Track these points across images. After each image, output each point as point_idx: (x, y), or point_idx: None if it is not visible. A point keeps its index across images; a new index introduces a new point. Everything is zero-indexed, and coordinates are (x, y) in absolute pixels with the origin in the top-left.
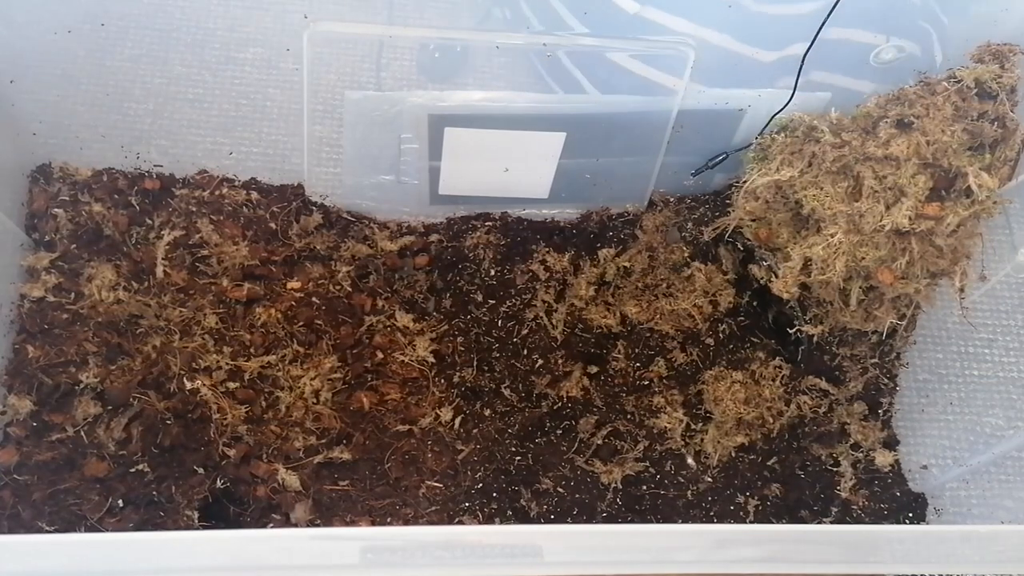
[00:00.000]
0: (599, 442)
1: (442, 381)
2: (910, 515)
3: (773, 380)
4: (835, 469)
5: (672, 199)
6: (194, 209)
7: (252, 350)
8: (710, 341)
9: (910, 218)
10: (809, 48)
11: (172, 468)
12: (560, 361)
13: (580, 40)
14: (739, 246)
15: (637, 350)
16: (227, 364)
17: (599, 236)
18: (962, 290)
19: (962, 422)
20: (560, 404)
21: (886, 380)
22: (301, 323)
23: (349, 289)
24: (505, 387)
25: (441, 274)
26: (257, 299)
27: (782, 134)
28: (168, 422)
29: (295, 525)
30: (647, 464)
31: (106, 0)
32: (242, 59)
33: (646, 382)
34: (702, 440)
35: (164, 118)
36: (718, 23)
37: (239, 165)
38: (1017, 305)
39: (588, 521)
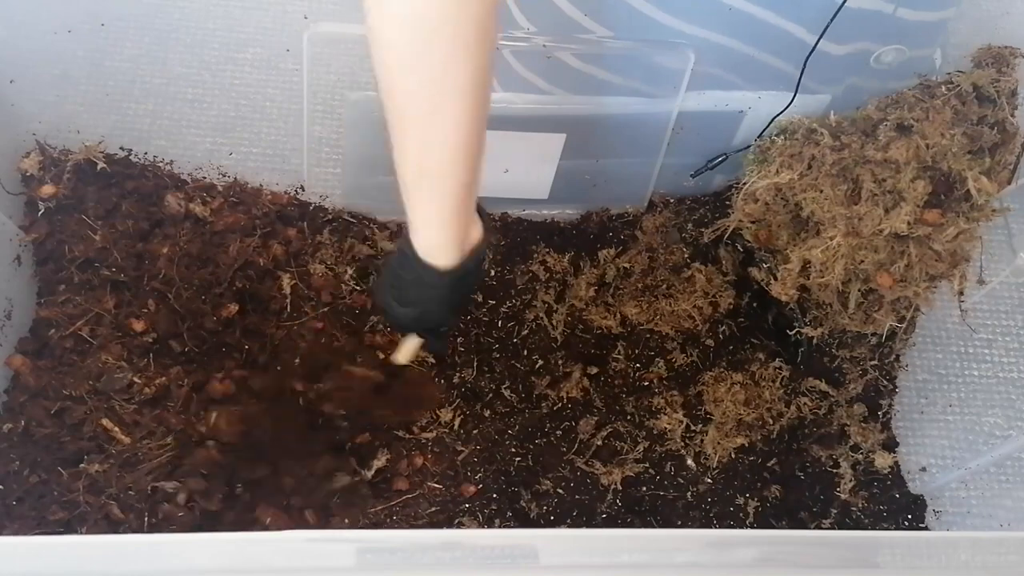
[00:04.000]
0: (599, 443)
1: (442, 382)
2: (909, 517)
3: (773, 382)
4: (835, 471)
5: (672, 200)
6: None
7: None
8: (710, 342)
9: (908, 223)
10: (811, 51)
11: None
12: (560, 362)
13: (580, 41)
14: (739, 248)
15: (637, 351)
16: None
17: (599, 237)
18: (961, 293)
19: (962, 423)
20: (560, 405)
21: (885, 382)
22: None
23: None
24: (505, 388)
25: None
26: None
27: (781, 137)
28: None
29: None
30: (647, 465)
31: (106, 0)
32: (242, 59)
33: (646, 383)
34: (702, 441)
35: (164, 118)
36: (720, 25)
37: (239, 166)
38: (1016, 306)
39: (588, 522)
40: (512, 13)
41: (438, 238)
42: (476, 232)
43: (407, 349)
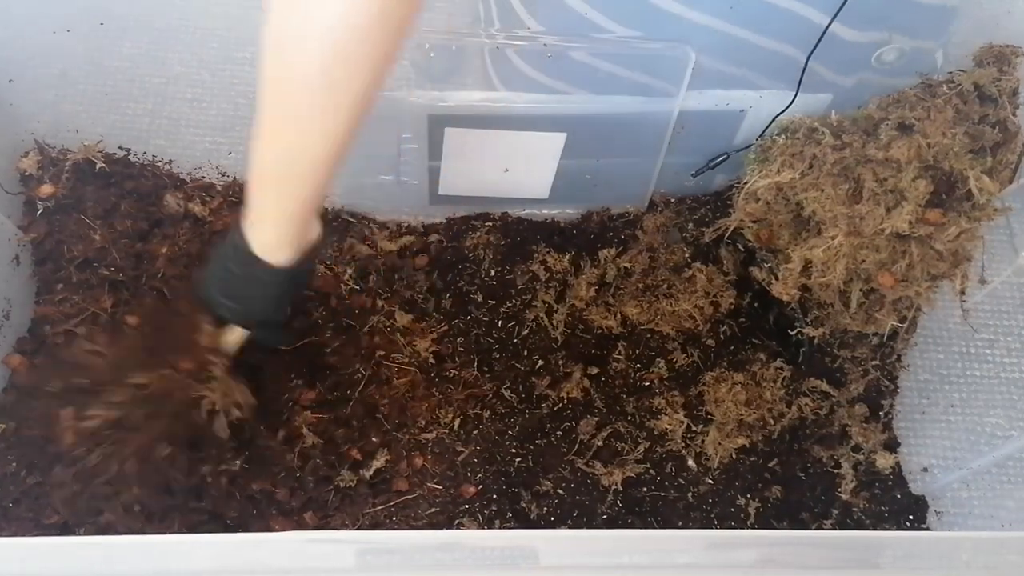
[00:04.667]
0: (599, 444)
1: (441, 382)
2: (911, 517)
3: (774, 382)
4: (836, 471)
5: (673, 200)
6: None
7: None
8: (711, 342)
9: (910, 223)
10: (813, 50)
11: None
12: (560, 362)
13: (580, 41)
14: (740, 247)
15: (638, 351)
16: None
17: (599, 236)
18: (963, 292)
19: (963, 423)
20: (560, 405)
21: (887, 382)
22: None
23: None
24: (505, 388)
25: (441, 274)
26: None
27: (783, 136)
28: None
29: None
30: (647, 466)
31: None
32: (241, 58)
33: (647, 383)
34: (703, 442)
35: (162, 118)
36: (727, 12)
37: (238, 165)
38: (1018, 306)
39: (588, 523)
40: (514, 8)
41: (279, 236)
42: (315, 231)
43: (234, 340)
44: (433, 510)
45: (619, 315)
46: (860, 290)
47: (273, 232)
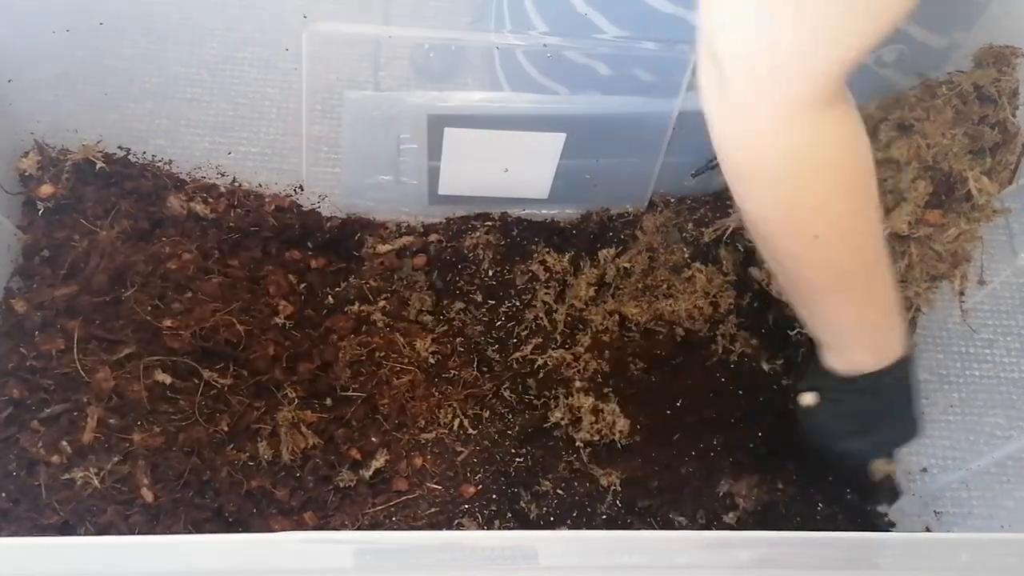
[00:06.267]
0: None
1: (441, 382)
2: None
3: None
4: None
5: (673, 200)
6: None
7: None
8: None
9: (910, 223)
10: None
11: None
12: None
13: (580, 41)
14: (739, 247)
15: None
16: None
17: (599, 236)
18: (962, 293)
19: (963, 424)
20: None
21: None
22: None
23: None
24: (505, 388)
25: (440, 274)
26: None
27: None
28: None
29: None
30: None
31: None
32: (240, 59)
33: None
34: None
35: (162, 118)
36: None
37: (238, 165)
38: (1018, 306)
39: (588, 523)
40: (526, 9)
41: (889, 329)
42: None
43: None
44: (433, 510)
45: (618, 315)
46: None
47: (884, 331)
